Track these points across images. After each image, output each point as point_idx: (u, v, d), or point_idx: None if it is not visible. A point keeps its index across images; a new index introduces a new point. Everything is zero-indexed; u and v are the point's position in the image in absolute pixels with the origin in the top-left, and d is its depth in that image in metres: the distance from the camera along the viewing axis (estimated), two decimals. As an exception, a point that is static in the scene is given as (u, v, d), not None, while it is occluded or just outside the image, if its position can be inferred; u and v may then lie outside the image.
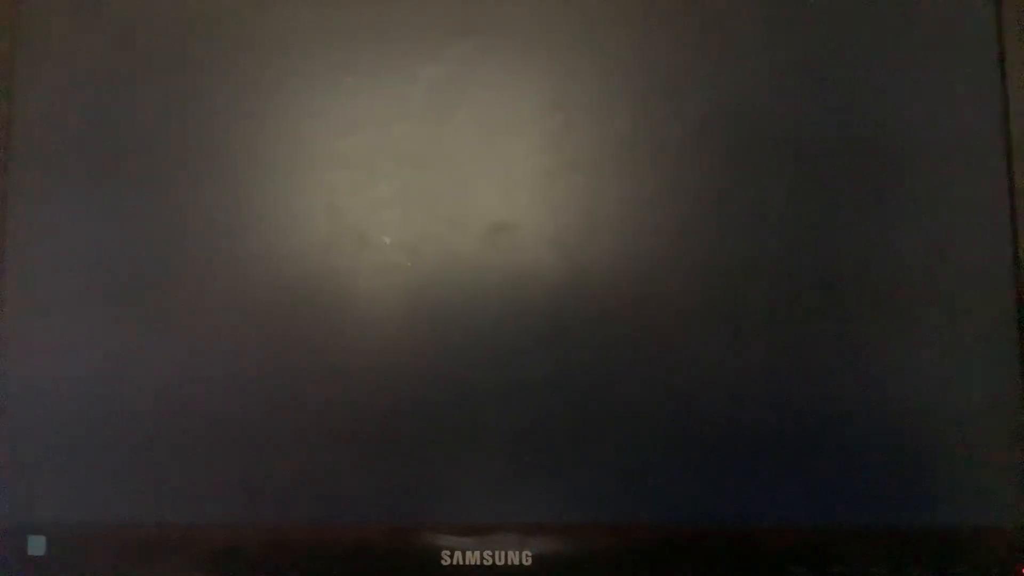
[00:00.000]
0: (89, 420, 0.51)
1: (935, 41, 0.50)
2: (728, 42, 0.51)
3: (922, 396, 0.49)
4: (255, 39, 0.53)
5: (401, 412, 0.50)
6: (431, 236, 0.51)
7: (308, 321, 0.51)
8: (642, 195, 0.51)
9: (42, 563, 0.50)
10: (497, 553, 0.49)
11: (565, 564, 0.49)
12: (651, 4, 0.52)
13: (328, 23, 0.53)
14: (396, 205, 0.52)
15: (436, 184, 0.52)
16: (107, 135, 0.53)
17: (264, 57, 0.53)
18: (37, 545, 0.50)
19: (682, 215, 0.51)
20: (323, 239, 0.52)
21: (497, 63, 0.52)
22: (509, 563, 0.49)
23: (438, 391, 0.50)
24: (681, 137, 0.51)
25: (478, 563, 0.49)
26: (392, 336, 0.51)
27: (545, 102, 0.52)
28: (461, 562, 0.49)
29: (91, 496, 0.51)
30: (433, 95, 0.52)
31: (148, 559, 0.50)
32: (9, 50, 0.54)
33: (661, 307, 0.50)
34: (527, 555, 0.49)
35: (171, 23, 0.54)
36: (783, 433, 0.49)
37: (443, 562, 0.49)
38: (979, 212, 0.50)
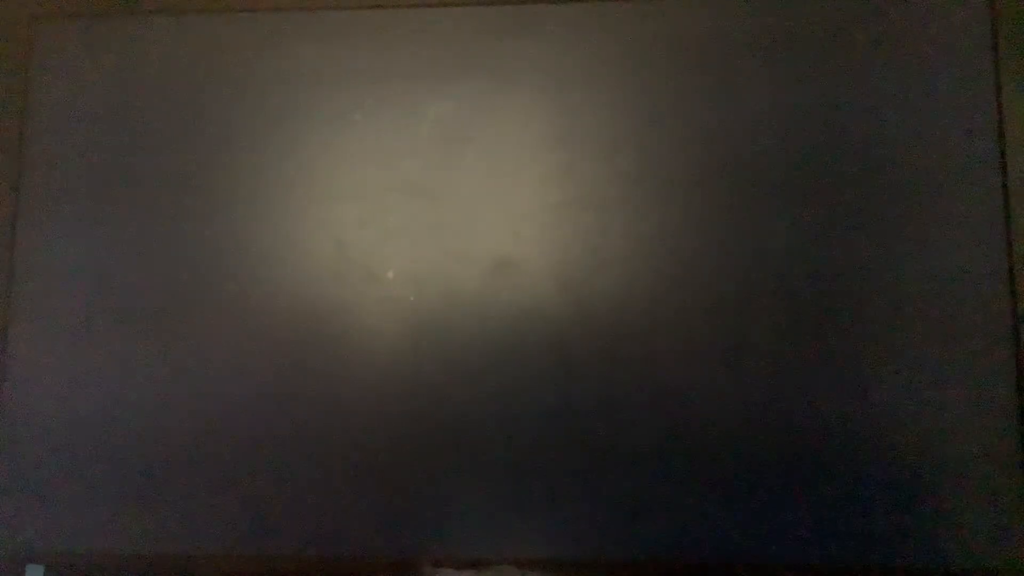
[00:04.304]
0: (88, 451, 0.52)
1: (931, 68, 0.51)
2: (728, 81, 0.52)
3: (926, 440, 0.48)
4: (264, 77, 0.55)
5: (403, 445, 0.50)
6: (436, 271, 0.52)
7: (311, 354, 0.52)
8: (644, 231, 0.51)
9: (40, 592, 0.50)
10: (497, 587, 0.49)
11: (565, 599, 0.48)
12: (654, 46, 0.53)
13: (337, 61, 0.54)
14: (401, 240, 0.53)
15: (441, 219, 0.52)
16: (117, 168, 0.54)
17: (273, 94, 0.54)
18: (35, 574, 0.50)
19: (683, 251, 0.51)
20: (329, 273, 0.52)
21: (503, 101, 0.53)
22: (508, 597, 0.48)
23: (440, 425, 0.50)
24: (683, 174, 0.51)
25: (478, 597, 0.48)
26: (395, 370, 0.51)
27: (550, 140, 0.53)
28: (461, 595, 0.49)
29: (89, 526, 0.51)
30: (440, 132, 0.53)
31: (146, 590, 0.50)
32: (22, 88, 0.55)
33: (664, 342, 0.50)
34: (526, 590, 0.48)
35: (182, 61, 0.55)
36: (786, 470, 0.48)
37: (443, 595, 0.49)
38: (976, 241, 0.49)
